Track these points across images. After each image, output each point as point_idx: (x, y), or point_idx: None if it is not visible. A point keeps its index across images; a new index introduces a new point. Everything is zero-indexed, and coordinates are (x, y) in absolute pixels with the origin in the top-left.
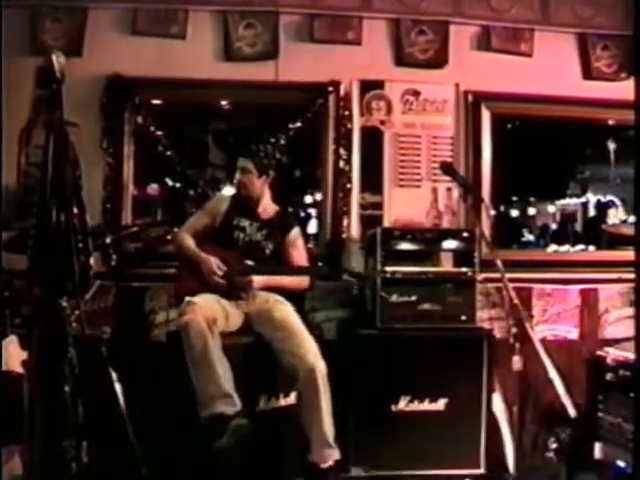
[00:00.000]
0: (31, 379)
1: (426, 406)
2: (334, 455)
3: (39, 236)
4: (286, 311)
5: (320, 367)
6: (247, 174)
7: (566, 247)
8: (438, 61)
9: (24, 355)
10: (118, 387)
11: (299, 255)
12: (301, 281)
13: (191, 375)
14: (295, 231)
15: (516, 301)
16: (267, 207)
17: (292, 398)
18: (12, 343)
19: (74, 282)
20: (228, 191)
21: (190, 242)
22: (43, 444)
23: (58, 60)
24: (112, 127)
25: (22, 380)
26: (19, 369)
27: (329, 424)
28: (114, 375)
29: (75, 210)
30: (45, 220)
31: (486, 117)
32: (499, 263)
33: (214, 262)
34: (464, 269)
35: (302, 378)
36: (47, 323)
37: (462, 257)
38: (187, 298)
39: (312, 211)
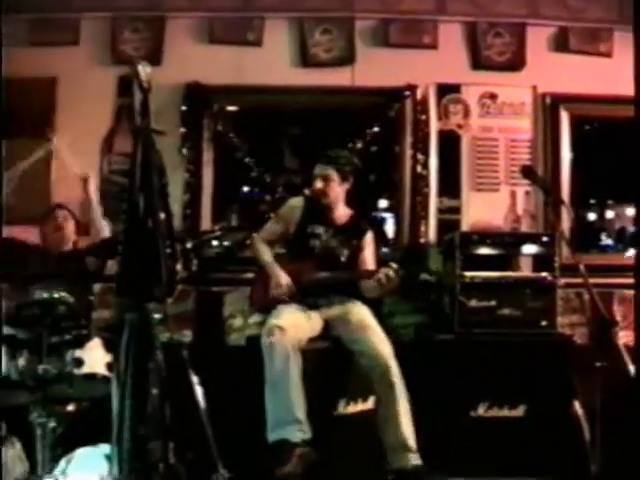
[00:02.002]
0: (120, 382)
1: (505, 412)
2: (413, 459)
3: (128, 242)
4: (363, 314)
5: (395, 370)
6: (329, 181)
7: None
8: (515, 63)
9: (108, 358)
10: (199, 390)
11: (371, 260)
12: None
13: (265, 395)
14: (368, 236)
15: (601, 306)
16: (341, 212)
17: (370, 403)
18: (96, 346)
19: (162, 287)
20: (301, 197)
21: (264, 249)
22: (131, 445)
23: (144, 70)
24: (191, 134)
25: (106, 382)
26: (103, 371)
27: (407, 426)
28: (195, 379)
29: (162, 216)
30: (133, 226)
31: (564, 119)
32: (582, 267)
33: (284, 279)
34: (544, 274)
35: (378, 379)
36: (135, 327)
37: (542, 261)
38: (275, 321)
39: (386, 215)
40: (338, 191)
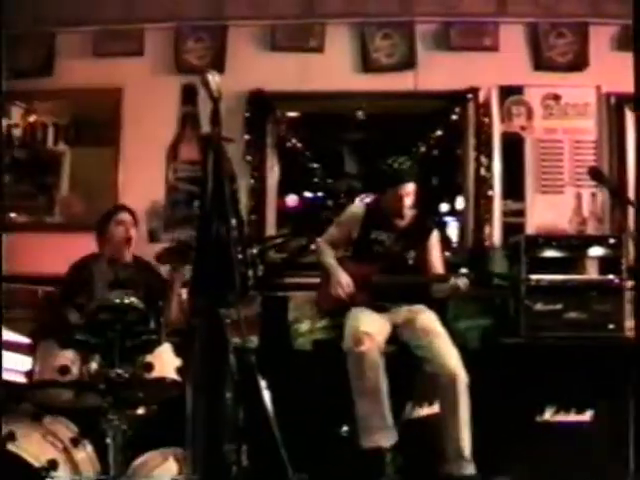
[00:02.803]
0: (194, 386)
1: (572, 417)
2: (468, 469)
3: (200, 248)
4: (429, 319)
5: (461, 376)
6: (410, 196)
7: None
8: (578, 63)
9: (177, 362)
10: (266, 394)
11: (439, 262)
12: None
13: (356, 403)
14: (434, 235)
15: None
16: (406, 214)
17: (436, 407)
18: (166, 351)
19: (235, 293)
20: (362, 203)
21: (327, 253)
22: (206, 448)
23: (214, 79)
24: (255, 140)
25: (176, 386)
26: (174, 376)
27: (466, 436)
28: (263, 383)
29: (234, 222)
30: (206, 232)
31: (630, 119)
32: None
33: (344, 279)
34: (611, 276)
35: (443, 386)
36: (209, 332)
37: (608, 264)
38: (363, 328)
39: (450, 219)
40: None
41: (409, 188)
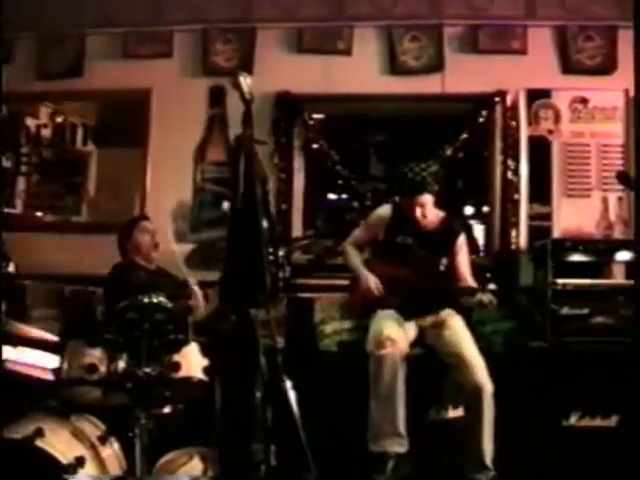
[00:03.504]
0: (224, 385)
1: (598, 422)
2: (487, 476)
3: (231, 248)
4: (457, 326)
5: (487, 387)
6: (426, 206)
7: None
8: (606, 67)
9: (204, 362)
10: (292, 395)
11: (467, 268)
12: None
13: (370, 406)
14: (461, 239)
15: None
16: (432, 217)
17: (460, 411)
18: (193, 350)
19: (265, 293)
20: (389, 205)
21: (354, 254)
22: (234, 447)
23: (245, 81)
24: (282, 142)
25: (202, 385)
26: (200, 375)
27: (488, 444)
28: (289, 383)
29: (265, 224)
30: (237, 233)
31: None
32: None
33: (373, 281)
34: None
35: (468, 394)
36: (240, 332)
37: (635, 268)
38: (386, 332)
39: (475, 222)
40: (432, 206)
41: (424, 199)
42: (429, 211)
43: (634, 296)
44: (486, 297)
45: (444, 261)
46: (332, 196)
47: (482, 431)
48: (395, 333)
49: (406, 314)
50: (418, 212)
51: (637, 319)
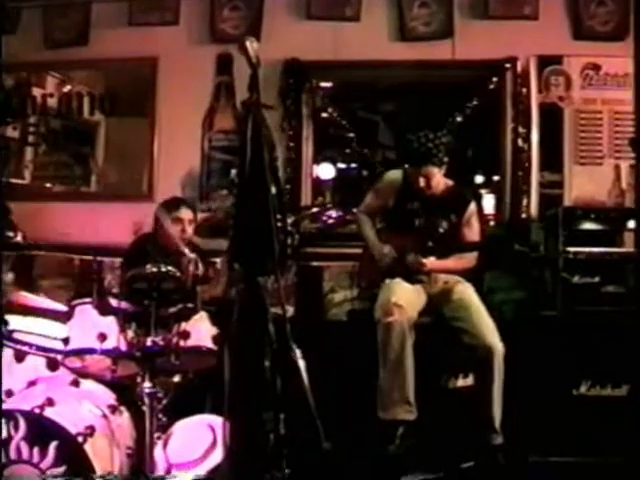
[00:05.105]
0: (233, 354)
1: (608, 391)
2: (496, 440)
3: (239, 216)
4: (466, 292)
5: (498, 348)
6: (431, 178)
7: None
8: (619, 33)
9: (214, 331)
10: (302, 363)
11: (473, 234)
12: (466, 262)
13: (380, 374)
14: (471, 208)
15: None
16: (440, 184)
17: (470, 379)
18: (202, 319)
19: (274, 261)
20: (399, 170)
21: (366, 225)
22: (244, 416)
23: (252, 46)
24: (290, 110)
25: (212, 354)
26: (209, 344)
27: (497, 408)
28: (298, 352)
29: (273, 190)
30: (245, 200)
31: None
32: None
33: (386, 249)
34: None
35: (478, 357)
36: (248, 300)
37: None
38: (394, 300)
39: (483, 191)
40: (439, 177)
41: (428, 170)
42: (435, 182)
43: (637, 263)
44: (412, 257)
45: (444, 224)
46: (341, 165)
47: (492, 394)
48: (403, 300)
49: (415, 282)
50: (422, 182)
51: (637, 314)
